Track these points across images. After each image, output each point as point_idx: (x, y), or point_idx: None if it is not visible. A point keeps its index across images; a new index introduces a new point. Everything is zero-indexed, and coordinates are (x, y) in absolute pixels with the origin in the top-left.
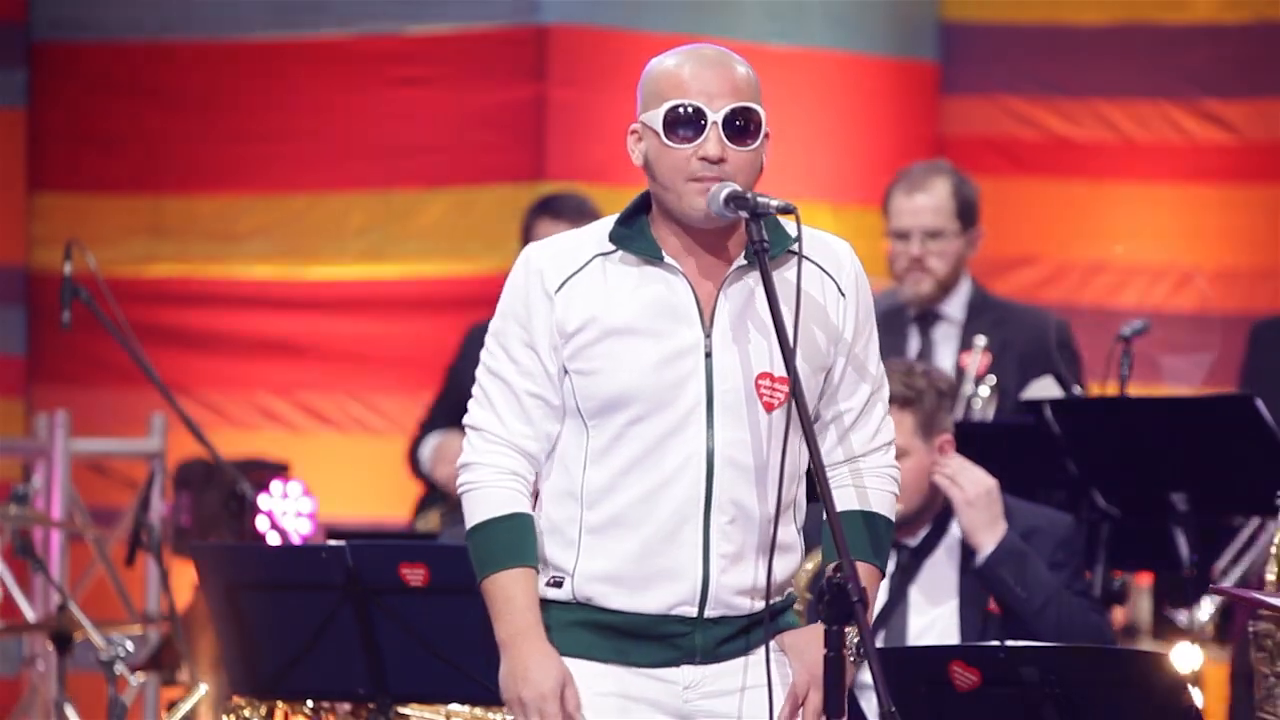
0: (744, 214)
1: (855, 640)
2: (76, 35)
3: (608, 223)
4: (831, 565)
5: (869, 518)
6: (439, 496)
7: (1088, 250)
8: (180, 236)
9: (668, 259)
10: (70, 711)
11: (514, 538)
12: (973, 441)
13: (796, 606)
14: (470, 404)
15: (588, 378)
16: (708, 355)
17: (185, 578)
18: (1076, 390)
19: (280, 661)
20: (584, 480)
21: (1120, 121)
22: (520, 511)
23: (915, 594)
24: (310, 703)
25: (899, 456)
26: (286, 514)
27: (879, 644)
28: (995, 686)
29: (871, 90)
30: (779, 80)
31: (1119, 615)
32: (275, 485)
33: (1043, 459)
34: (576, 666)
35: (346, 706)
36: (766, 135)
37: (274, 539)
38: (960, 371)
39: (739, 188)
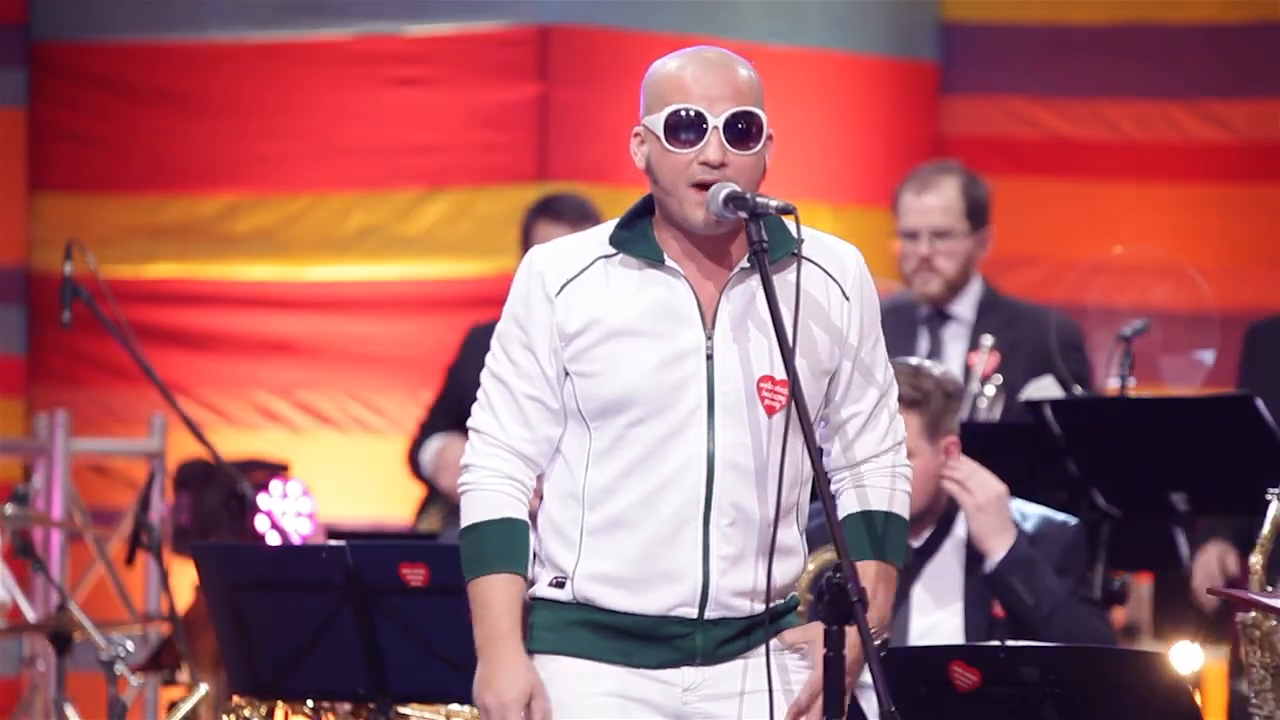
0: (743, 214)
1: (885, 637)
2: (76, 35)
3: (610, 225)
4: (831, 566)
5: (881, 517)
6: (441, 498)
7: (1087, 250)
8: (180, 236)
9: (669, 262)
10: (70, 711)
11: (504, 542)
12: (973, 441)
13: (800, 609)
14: (474, 406)
15: (589, 380)
16: (709, 358)
17: (185, 578)
18: (1077, 390)
19: (280, 661)
20: (585, 481)
21: (1120, 121)
22: (513, 517)
23: (918, 595)
24: (310, 703)
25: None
26: (286, 514)
27: None
28: (995, 686)
29: (871, 90)
30: (779, 81)
31: (1119, 615)
32: (275, 485)
33: (1043, 459)
34: (577, 666)
35: (346, 706)
36: (770, 137)
37: (274, 539)
38: (968, 371)
39: (738, 188)
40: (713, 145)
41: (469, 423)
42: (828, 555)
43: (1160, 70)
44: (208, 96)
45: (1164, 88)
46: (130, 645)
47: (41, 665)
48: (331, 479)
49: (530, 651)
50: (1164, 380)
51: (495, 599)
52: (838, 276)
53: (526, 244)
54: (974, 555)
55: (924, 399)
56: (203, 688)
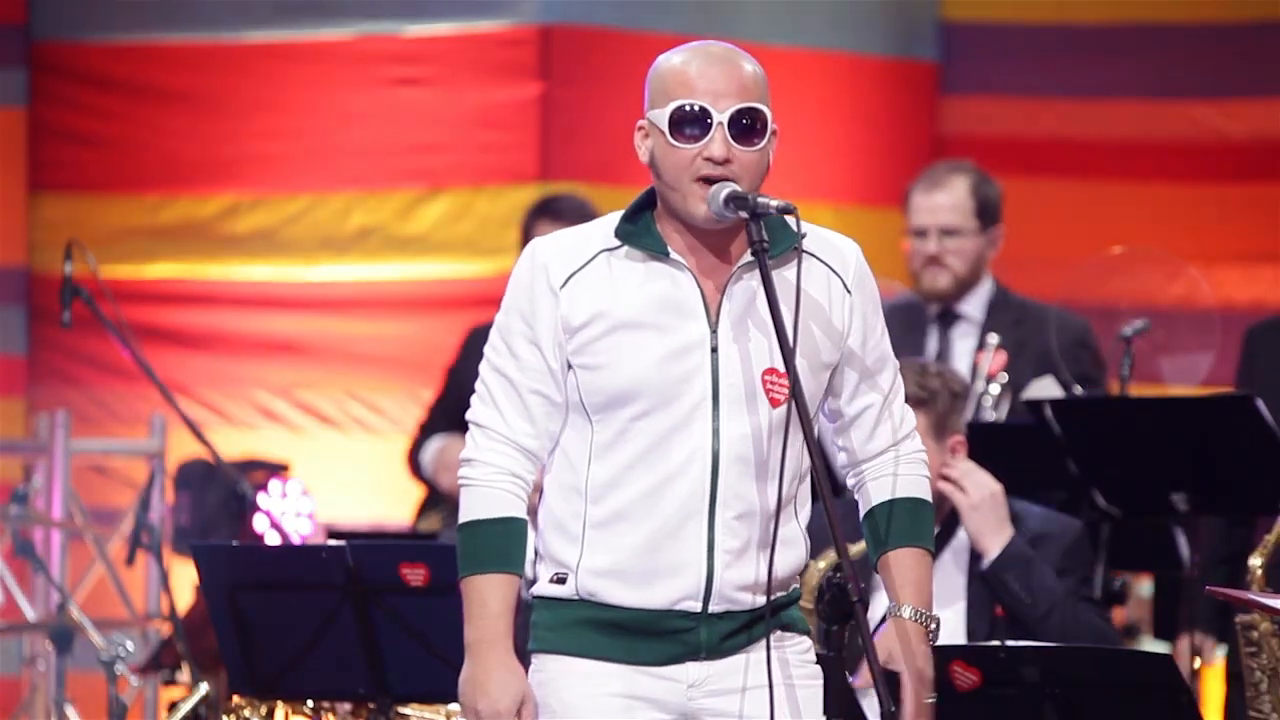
0: (743, 214)
1: (937, 618)
2: (76, 35)
3: (612, 219)
4: (831, 566)
5: (912, 504)
6: (442, 499)
7: (1087, 250)
8: (180, 236)
9: (673, 255)
10: (70, 711)
11: (502, 542)
12: (974, 441)
13: (803, 603)
14: (473, 399)
15: (593, 372)
16: (714, 350)
17: (185, 578)
18: (1077, 390)
19: (280, 661)
20: (588, 475)
21: (1120, 121)
22: (513, 516)
23: None
24: (310, 703)
25: None
26: (286, 514)
27: None
28: (995, 687)
29: (871, 90)
30: (779, 81)
31: (1119, 615)
32: (274, 485)
33: (1043, 459)
34: (582, 666)
35: (346, 706)
36: (774, 133)
37: (273, 539)
38: (974, 370)
39: (739, 188)
40: (717, 141)
41: (468, 415)
42: (830, 556)
43: (1160, 70)
44: (208, 96)
45: (1164, 87)
46: (130, 645)
47: (42, 665)
48: (331, 479)
49: (533, 651)
50: (1164, 380)
51: (490, 599)
52: (839, 270)
53: (527, 244)
54: (976, 556)
55: (930, 398)
56: (203, 687)
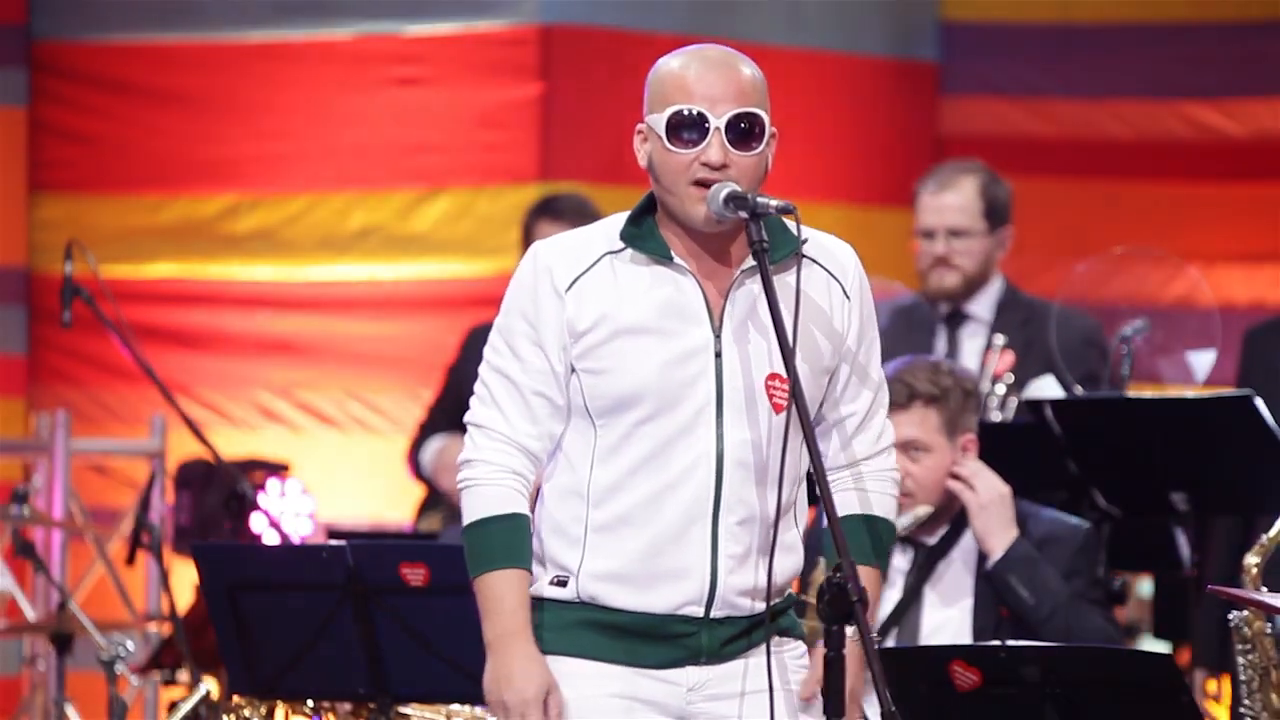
0: (743, 214)
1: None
2: (76, 35)
3: (614, 221)
4: (832, 566)
5: (871, 521)
6: (442, 499)
7: (1087, 250)
8: (180, 236)
9: (677, 259)
10: (70, 711)
11: (510, 538)
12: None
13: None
14: (473, 400)
15: (598, 376)
16: (717, 355)
17: (185, 578)
18: (1077, 390)
19: (280, 661)
20: (590, 479)
21: (1120, 121)
22: (518, 512)
23: (930, 593)
24: (310, 703)
25: (922, 452)
26: (285, 513)
27: (891, 642)
28: (996, 686)
29: (871, 90)
30: (779, 81)
31: (1119, 615)
32: (272, 484)
33: (1043, 459)
34: (583, 667)
35: (347, 706)
36: (773, 136)
37: (271, 538)
38: (981, 370)
39: (739, 188)
40: (714, 146)
41: (467, 417)
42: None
43: (1160, 70)
44: (208, 96)
45: (1164, 87)
46: (130, 645)
47: (42, 665)
48: (331, 479)
49: None
50: (1164, 380)
51: (506, 594)
52: (838, 275)
53: (527, 244)
54: (984, 556)
55: (943, 395)
56: (203, 688)
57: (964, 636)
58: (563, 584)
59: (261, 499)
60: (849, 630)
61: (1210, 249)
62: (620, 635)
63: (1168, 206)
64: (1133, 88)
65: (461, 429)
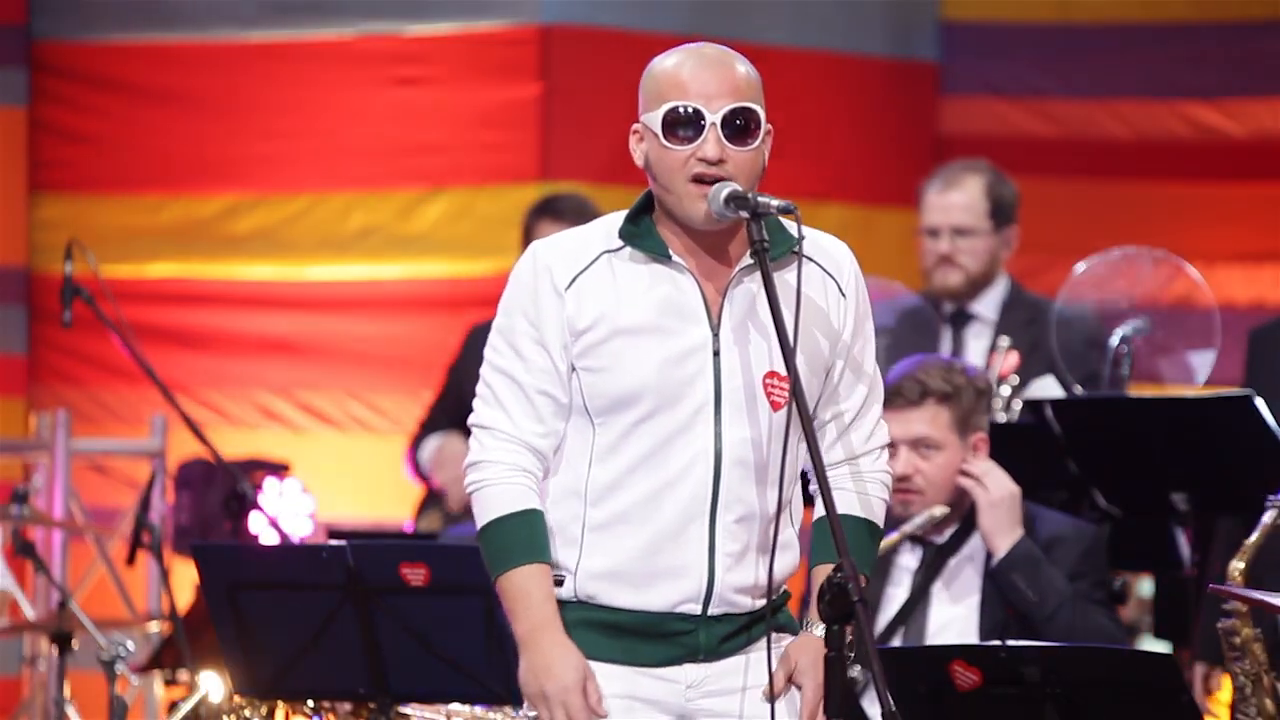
0: (744, 214)
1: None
2: (76, 35)
3: (612, 220)
4: (832, 565)
5: (860, 523)
6: (439, 497)
7: (1087, 250)
8: (180, 236)
9: (675, 257)
10: (70, 711)
11: (528, 534)
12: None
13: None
14: (476, 403)
15: (597, 375)
16: (715, 354)
17: (185, 577)
18: (1077, 390)
19: (280, 661)
20: (589, 477)
21: (1120, 120)
22: (533, 508)
23: (938, 591)
24: (310, 703)
25: (933, 450)
26: (283, 513)
27: (899, 640)
28: (996, 686)
29: (871, 90)
30: (779, 81)
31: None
32: (272, 484)
33: (1043, 459)
34: None
35: (347, 706)
36: (768, 133)
37: (268, 537)
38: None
39: (739, 188)
40: (711, 142)
41: (471, 419)
42: None
43: (1160, 70)
44: (208, 96)
45: (1164, 86)
46: (131, 645)
47: (42, 665)
48: (332, 479)
49: None
50: (1164, 380)
51: (532, 589)
52: (835, 274)
53: (527, 244)
54: (991, 554)
55: (955, 393)
56: (203, 687)
57: (971, 634)
58: (560, 583)
59: (261, 499)
60: (819, 630)
61: (1210, 249)
62: (618, 634)
63: (1168, 206)
64: (1133, 88)
65: (462, 427)
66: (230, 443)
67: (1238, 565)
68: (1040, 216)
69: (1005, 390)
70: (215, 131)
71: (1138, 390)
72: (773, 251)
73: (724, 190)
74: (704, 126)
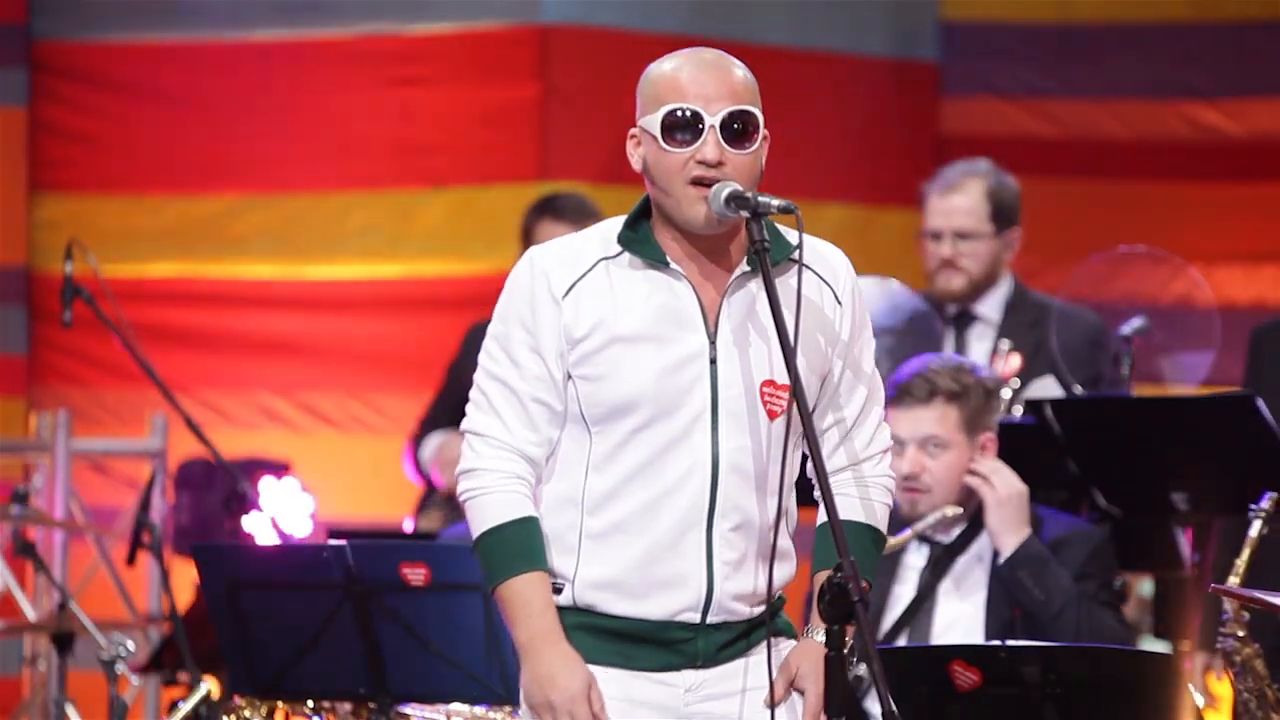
0: (744, 214)
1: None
2: (76, 35)
3: (609, 226)
4: (832, 565)
5: (862, 529)
6: (440, 497)
7: (1087, 249)
8: (181, 236)
9: (672, 264)
10: (71, 711)
11: (526, 542)
12: None
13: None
14: (469, 408)
15: (593, 383)
16: (712, 362)
17: (185, 578)
18: (1077, 390)
19: (280, 661)
20: (585, 486)
21: (1120, 121)
22: (529, 515)
23: (945, 590)
24: (310, 702)
25: (941, 449)
26: (284, 513)
27: (904, 638)
28: (996, 686)
29: (871, 90)
30: (779, 81)
31: None
32: (271, 483)
33: (1043, 459)
34: None
35: (347, 706)
36: (766, 138)
37: (265, 537)
38: None
39: (740, 188)
40: (710, 144)
41: (464, 425)
42: None
43: (1160, 70)
44: (208, 96)
45: (1164, 86)
46: (131, 645)
47: (42, 665)
48: (332, 479)
49: None
50: (1164, 380)
51: (532, 597)
52: (830, 280)
53: (527, 243)
54: (998, 553)
55: (964, 393)
56: (203, 687)
57: (977, 633)
58: (558, 591)
59: (261, 498)
60: (820, 635)
61: (1210, 249)
62: (616, 639)
63: (1168, 206)
64: (1133, 88)
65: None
66: (230, 443)
67: (1234, 581)
68: (1040, 216)
69: (1005, 394)
70: (215, 131)
71: (1138, 390)
72: (771, 257)
73: (724, 190)
74: (703, 129)
